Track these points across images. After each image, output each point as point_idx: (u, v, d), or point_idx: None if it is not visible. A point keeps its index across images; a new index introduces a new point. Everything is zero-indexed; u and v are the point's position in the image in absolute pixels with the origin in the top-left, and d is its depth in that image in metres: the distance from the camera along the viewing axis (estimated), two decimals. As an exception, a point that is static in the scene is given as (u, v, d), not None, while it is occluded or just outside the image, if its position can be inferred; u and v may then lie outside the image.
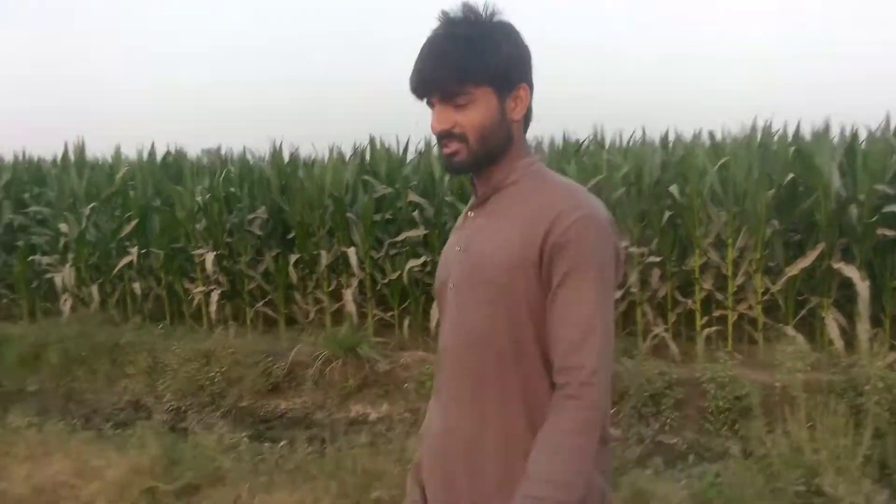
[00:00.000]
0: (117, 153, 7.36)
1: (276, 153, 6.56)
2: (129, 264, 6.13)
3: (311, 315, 6.01)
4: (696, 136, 6.46)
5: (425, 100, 1.21)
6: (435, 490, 1.26)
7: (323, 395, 4.84)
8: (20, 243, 7.02)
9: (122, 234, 6.31)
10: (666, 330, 5.23)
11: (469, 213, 1.27)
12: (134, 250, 6.10)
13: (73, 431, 3.74)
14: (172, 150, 7.66)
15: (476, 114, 1.17)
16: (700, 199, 5.25)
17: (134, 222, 6.27)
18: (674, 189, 5.23)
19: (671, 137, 6.49)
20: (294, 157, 6.79)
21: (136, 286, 6.15)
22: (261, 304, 6.11)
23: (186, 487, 2.93)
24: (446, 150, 1.20)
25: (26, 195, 7.36)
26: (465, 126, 1.17)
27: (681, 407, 4.30)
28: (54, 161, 8.12)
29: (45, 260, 6.60)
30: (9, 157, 8.13)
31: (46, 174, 7.76)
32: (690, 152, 5.47)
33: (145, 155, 7.28)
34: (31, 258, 6.67)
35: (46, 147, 8.93)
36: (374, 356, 4.93)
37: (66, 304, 6.20)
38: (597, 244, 1.13)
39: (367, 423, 4.58)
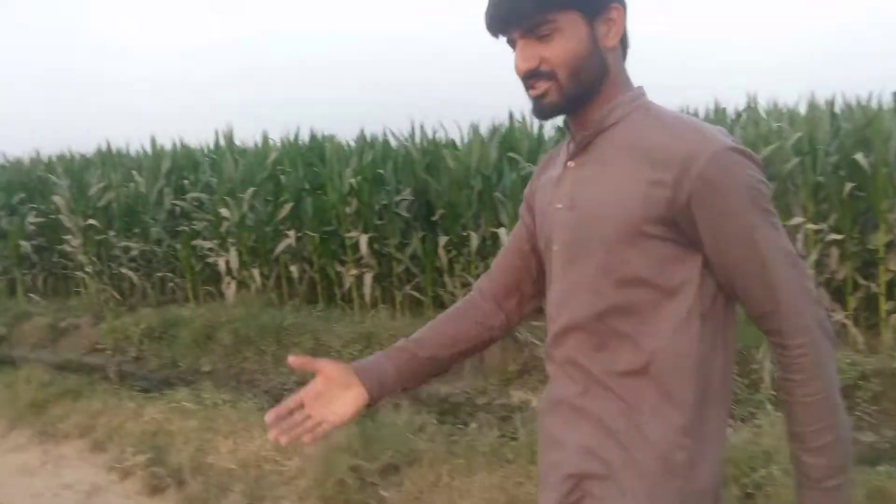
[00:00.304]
0: (265, 139, 7.65)
1: (422, 133, 6.61)
2: (286, 247, 6.37)
3: (460, 297, 6.03)
4: (870, 99, 5.90)
5: (505, 38, 1.07)
6: (550, 466, 1.13)
7: (483, 380, 4.82)
8: (181, 229, 7.49)
9: (278, 218, 6.55)
10: (846, 316, 4.84)
11: (568, 162, 1.11)
12: (291, 233, 6.32)
13: (261, 409, 3.91)
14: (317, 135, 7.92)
15: (564, 44, 1.02)
16: (887, 168, 4.79)
17: (289, 206, 6.50)
18: (859, 157, 4.79)
19: (838, 101, 5.97)
20: (436, 137, 6.84)
21: (294, 269, 6.39)
22: (409, 286, 6.18)
23: (387, 467, 2.98)
24: (533, 92, 1.06)
25: (185, 182, 7.79)
26: (552, 61, 1.02)
27: (878, 401, 3.95)
28: (202, 148, 8.60)
29: (206, 244, 6.98)
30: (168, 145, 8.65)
31: (199, 161, 8.21)
32: (875, 116, 5.00)
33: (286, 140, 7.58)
34: (193, 243, 7.07)
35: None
36: (534, 340, 4.86)
37: (229, 287, 6.54)
38: (749, 177, 0.99)
39: (530, 410, 4.53)
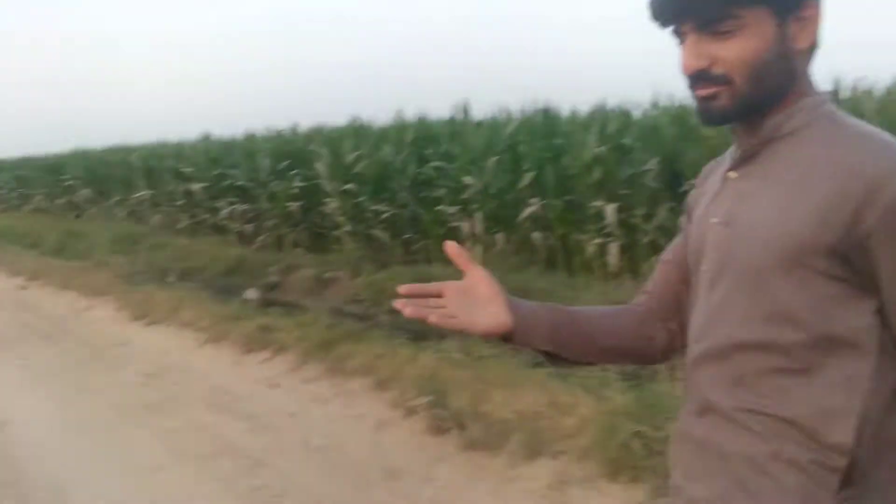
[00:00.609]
0: (505, 110, 7.86)
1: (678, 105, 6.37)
2: (529, 214, 6.51)
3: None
4: None
5: (672, 28, 0.91)
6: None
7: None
8: (423, 195, 7.96)
9: (520, 186, 6.70)
10: None
11: (729, 172, 0.96)
12: (535, 201, 6.44)
13: (527, 365, 4.03)
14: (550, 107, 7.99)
15: (746, 45, 0.86)
16: None
17: (530, 175, 6.61)
18: None
19: None
20: (683, 105, 6.58)
21: (536, 236, 6.52)
22: (656, 258, 6.01)
23: (667, 438, 2.92)
24: (701, 93, 0.90)
25: (427, 152, 8.24)
26: (729, 62, 0.87)
27: None
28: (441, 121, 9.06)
29: (449, 210, 7.34)
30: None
31: (438, 133, 8.65)
32: None
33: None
34: (437, 208, 7.47)
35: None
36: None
37: (472, 249, 6.84)
38: None
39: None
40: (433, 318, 0.97)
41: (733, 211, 0.94)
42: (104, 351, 5.77)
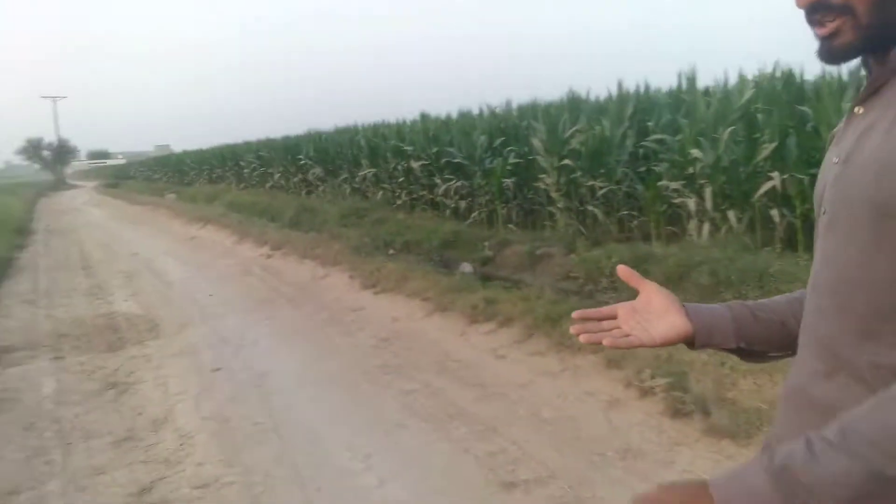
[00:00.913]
0: (742, 77, 7.22)
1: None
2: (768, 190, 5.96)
3: None
4: None
5: None
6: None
7: None
8: (640, 170, 7.63)
9: (757, 159, 6.15)
10: None
11: (855, 108, 0.87)
12: (775, 175, 5.87)
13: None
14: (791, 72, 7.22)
15: None
16: None
17: (771, 146, 6.03)
18: None
19: None
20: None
21: (774, 213, 5.95)
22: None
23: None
24: (820, 31, 0.82)
25: (648, 123, 7.87)
26: None
27: None
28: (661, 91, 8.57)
29: (671, 185, 6.94)
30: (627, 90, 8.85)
31: (661, 104, 8.21)
32: None
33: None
34: (659, 183, 7.11)
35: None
36: None
37: (700, 228, 6.43)
38: None
39: None
40: (607, 342, 1.00)
41: (853, 147, 0.86)
42: (341, 315, 6.29)
